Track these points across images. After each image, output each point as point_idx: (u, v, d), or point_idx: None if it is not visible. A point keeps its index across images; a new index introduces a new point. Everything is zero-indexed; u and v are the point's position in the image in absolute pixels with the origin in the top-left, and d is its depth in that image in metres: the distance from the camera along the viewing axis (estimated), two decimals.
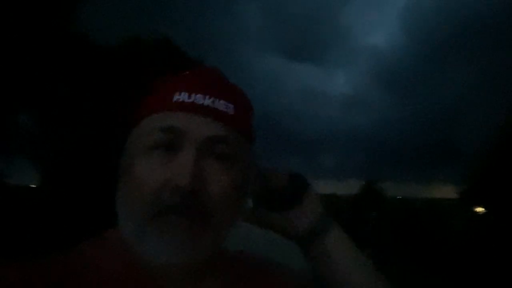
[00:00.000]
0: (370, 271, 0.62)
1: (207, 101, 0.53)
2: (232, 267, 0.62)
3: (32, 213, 7.19)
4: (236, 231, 0.57)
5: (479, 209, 12.87)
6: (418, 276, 10.21)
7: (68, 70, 7.86)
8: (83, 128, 8.05)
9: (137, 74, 7.15)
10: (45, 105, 7.97)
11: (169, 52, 9.18)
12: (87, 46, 8.14)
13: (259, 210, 0.63)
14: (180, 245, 0.48)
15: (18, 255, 0.51)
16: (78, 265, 0.52)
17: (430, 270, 10.83)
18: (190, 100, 0.52)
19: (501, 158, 11.23)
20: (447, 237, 12.30)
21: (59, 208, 7.42)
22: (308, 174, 0.66)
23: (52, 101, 7.92)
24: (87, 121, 8.06)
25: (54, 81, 7.93)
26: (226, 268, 0.60)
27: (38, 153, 8.39)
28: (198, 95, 0.53)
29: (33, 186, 9.41)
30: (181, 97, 0.53)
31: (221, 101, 0.54)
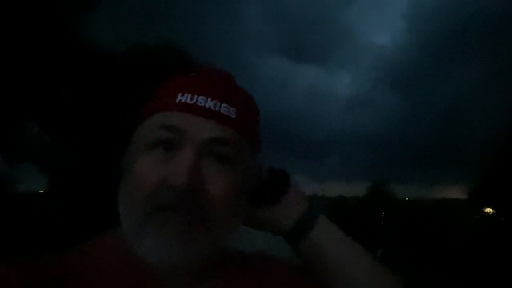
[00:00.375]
0: (369, 263, 0.61)
1: (209, 103, 0.53)
2: (233, 267, 0.62)
3: (40, 217, 7.24)
4: (236, 231, 0.57)
5: (488, 210, 12.74)
6: (428, 277, 10.13)
7: (75, 77, 7.94)
8: (90, 134, 8.11)
9: (142, 79, 7.19)
10: (52, 112, 8.04)
11: (173, 56, 9.21)
12: (94, 53, 8.22)
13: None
14: (178, 243, 0.48)
15: (23, 258, 0.51)
16: (79, 265, 0.53)
17: (439, 271, 10.74)
18: (193, 102, 0.53)
19: (509, 157, 11.11)
20: (456, 237, 12.19)
21: (67, 212, 7.47)
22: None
23: (59, 108, 8.00)
24: (94, 127, 8.13)
25: (62, 88, 8.03)
26: (227, 268, 0.61)
27: (45, 159, 8.46)
28: (201, 97, 0.53)
29: (41, 191, 9.51)
30: (184, 98, 0.53)
31: (224, 104, 0.54)
